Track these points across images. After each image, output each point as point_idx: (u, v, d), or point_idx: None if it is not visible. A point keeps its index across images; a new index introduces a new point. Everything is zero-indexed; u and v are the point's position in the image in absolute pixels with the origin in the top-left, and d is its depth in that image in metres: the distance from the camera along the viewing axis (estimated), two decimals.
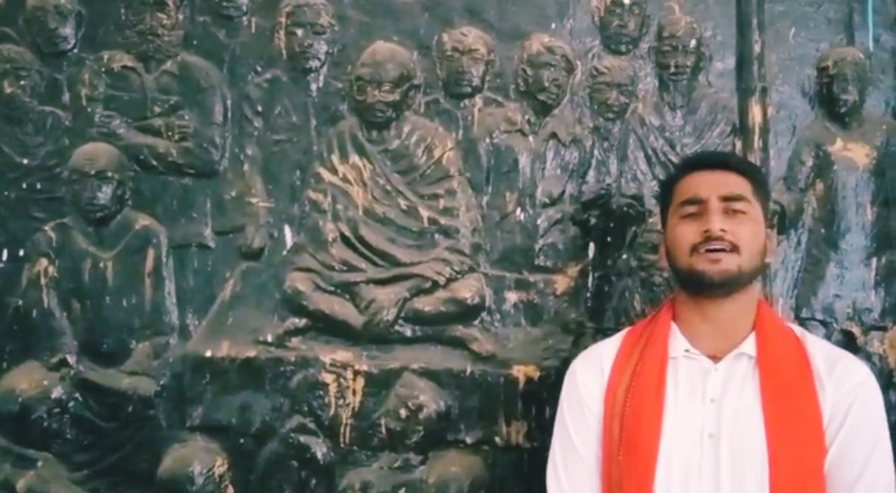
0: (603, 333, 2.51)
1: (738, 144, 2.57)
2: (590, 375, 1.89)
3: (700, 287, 1.81)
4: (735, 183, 1.83)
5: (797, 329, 1.91)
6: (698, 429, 1.75)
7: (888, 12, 2.66)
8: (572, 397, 1.90)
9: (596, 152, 2.61)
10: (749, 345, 1.80)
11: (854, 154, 2.62)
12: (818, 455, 1.71)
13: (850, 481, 1.70)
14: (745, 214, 1.80)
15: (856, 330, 2.54)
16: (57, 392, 2.52)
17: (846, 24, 2.67)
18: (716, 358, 1.80)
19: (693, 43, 2.60)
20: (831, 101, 2.62)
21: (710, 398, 1.77)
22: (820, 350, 1.82)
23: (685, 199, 1.84)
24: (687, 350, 1.82)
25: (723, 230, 1.76)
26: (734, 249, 1.77)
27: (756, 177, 1.90)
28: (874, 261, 2.59)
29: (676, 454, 1.73)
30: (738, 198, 1.81)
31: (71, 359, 2.54)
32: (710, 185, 1.82)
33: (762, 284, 2.45)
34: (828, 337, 2.52)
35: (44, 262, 2.58)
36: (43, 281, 2.57)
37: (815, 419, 1.72)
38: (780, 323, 1.91)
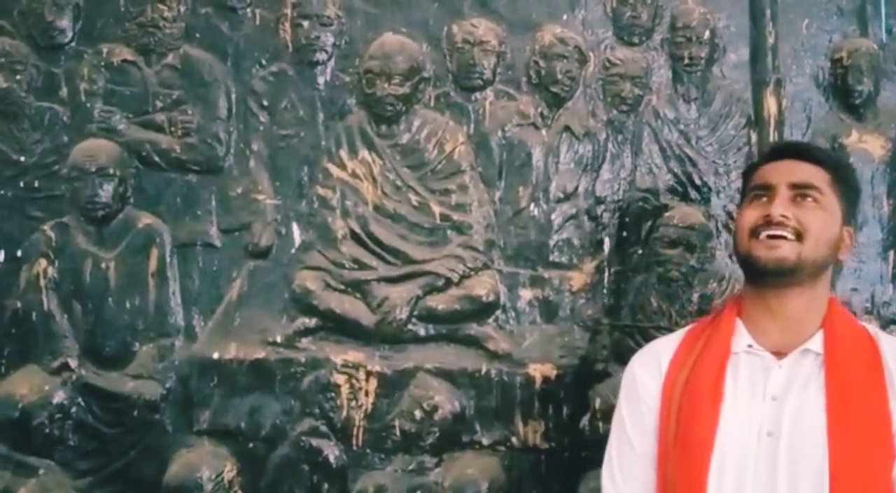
0: (620, 330, 2.48)
1: (754, 137, 2.54)
2: (647, 371, 1.83)
3: (756, 275, 1.74)
4: (809, 172, 1.76)
5: (871, 328, 1.83)
6: (756, 427, 1.68)
7: None
8: (630, 393, 1.84)
9: (610, 146, 2.56)
10: (816, 342, 1.73)
11: (870, 146, 2.59)
12: (884, 461, 1.62)
13: None
14: (816, 203, 1.74)
15: (875, 324, 2.50)
16: (58, 397, 2.45)
17: (859, 14, 2.65)
18: (780, 355, 1.74)
19: (707, 34, 2.56)
20: (846, 92, 2.59)
21: (771, 396, 1.70)
22: (894, 350, 1.74)
23: (755, 184, 1.79)
24: (750, 345, 1.75)
25: (785, 216, 1.70)
26: (798, 236, 1.70)
27: (837, 171, 1.81)
28: (891, 254, 2.56)
29: (731, 451, 1.67)
30: (809, 186, 1.74)
31: (72, 363, 2.47)
32: (781, 172, 1.77)
33: None
34: None
35: (43, 262, 2.50)
36: (42, 282, 2.50)
37: (883, 422, 1.64)
38: (853, 321, 1.84)
